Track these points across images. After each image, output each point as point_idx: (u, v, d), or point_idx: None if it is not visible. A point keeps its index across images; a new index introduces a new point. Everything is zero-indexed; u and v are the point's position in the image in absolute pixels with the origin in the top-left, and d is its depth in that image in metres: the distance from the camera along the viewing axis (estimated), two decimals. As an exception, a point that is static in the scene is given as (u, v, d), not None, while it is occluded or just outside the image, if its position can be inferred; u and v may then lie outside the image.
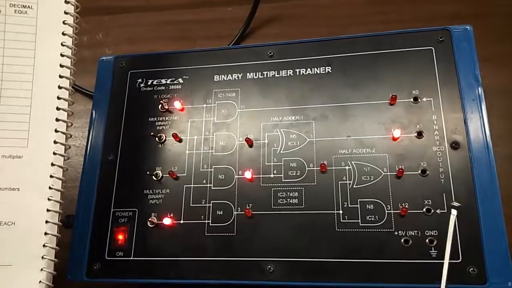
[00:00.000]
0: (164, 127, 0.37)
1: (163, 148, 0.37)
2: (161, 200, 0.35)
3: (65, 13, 0.33)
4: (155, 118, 0.38)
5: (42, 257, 0.30)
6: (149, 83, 0.39)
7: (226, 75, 0.38)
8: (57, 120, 0.31)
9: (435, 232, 0.30)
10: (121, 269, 0.34)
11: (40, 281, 0.30)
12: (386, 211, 0.32)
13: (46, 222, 0.30)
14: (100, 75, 0.40)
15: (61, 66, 0.32)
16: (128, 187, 0.36)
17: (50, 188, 0.31)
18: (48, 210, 0.30)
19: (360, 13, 0.49)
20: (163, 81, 0.39)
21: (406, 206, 0.31)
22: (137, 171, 0.36)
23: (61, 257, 0.34)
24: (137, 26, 0.53)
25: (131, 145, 0.37)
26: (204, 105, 0.38)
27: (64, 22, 0.33)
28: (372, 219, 0.32)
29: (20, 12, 0.33)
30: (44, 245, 0.30)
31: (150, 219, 0.34)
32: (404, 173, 0.32)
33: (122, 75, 0.40)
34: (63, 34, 0.32)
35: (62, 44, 0.32)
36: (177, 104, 0.38)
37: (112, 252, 0.34)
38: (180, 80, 0.39)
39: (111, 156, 0.37)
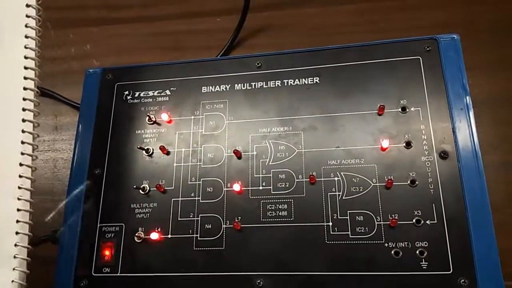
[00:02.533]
0: (151, 139, 0.37)
1: (151, 161, 0.36)
2: (148, 214, 0.35)
3: (27, 16, 0.33)
4: (142, 131, 0.37)
5: (14, 256, 0.30)
6: (136, 95, 0.39)
7: (214, 86, 0.38)
8: (23, 120, 0.31)
9: (425, 243, 0.30)
10: (108, 286, 0.33)
11: (12, 281, 0.29)
12: (376, 223, 0.31)
13: (17, 221, 0.30)
14: (87, 87, 0.40)
15: (25, 68, 0.32)
16: (115, 202, 0.35)
17: (19, 187, 0.30)
18: (18, 210, 0.30)
19: (348, 22, 0.49)
20: (150, 93, 0.39)
21: (396, 217, 0.31)
22: (123, 185, 0.36)
23: (50, 273, 0.34)
24: (125, 37, 0.52)
25: (118, 158, 0.37)
26: (192, 117, 0.37)
27: (26, 25, 0.32)
28: (362, 230, 0.31)
29: None
30: (15, 245, 0.30)
31: (137, 234, 0.34)
32: (393, 183, 0.32)
33: (109, 87, 0.39)
34: (26, 37, 0.32)
35: (25, 47, 0.32)
36: (164, 116, 0.37)
37: (99, 268, 0.33)
38: (168, 92, 0.38)
39: (98, 170, 0.36)
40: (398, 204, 0.31)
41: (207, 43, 0.51)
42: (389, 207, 0.31)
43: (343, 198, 0.32)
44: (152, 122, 0.37)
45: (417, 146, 0.33)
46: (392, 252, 0.30)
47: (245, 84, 0.37)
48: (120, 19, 0.54)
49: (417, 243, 0.30)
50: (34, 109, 0.31)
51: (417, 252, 0.30)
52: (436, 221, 0.30)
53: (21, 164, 0.31)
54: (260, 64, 0.38)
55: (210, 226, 0.33)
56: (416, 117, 0.33)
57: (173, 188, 0.35)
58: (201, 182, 0.35)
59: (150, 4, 0.55)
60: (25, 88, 0.31)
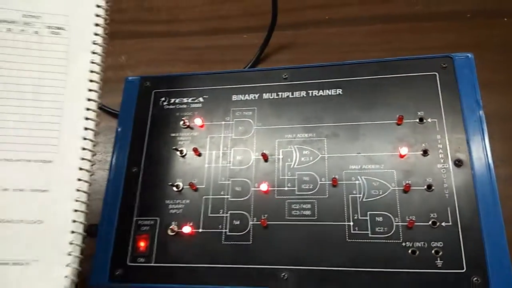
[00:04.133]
0: (185, 142, 0.40)
1: (184, 161, 0.39)
2: (181, 209, 0.37)
3: (95, 34, 0.36)
4: (177, 134, 0.40)
5: (69, 254, 0.32)
6: (171, 101, 0.42)
7: (243, 95, 0.41)
8: (85, 128, 0.34)
9: (441, 244, 0.32)
10: (142, 274, 0.35)
11: (66, 276, 0.31)
12: (394, 223, 0.34)
13: (73, 221, 0.32)
14: (126, 93, 0.43)
15: (90, 80, 0.35)
16: (150, 198, 0.38)
17: (77, 190, 0.33)
18: (75, 210, 0.32)
19: (364, 41, 0.53)
20: (185, 100, 0.42)
21: (413, 219, 0.33)
22: (159, 183, 0.39)
23: (84, 265, 0.36)
24: (157, 50, 0.56)
25: (154, 158, 0.40)
26: (223, 122, 0.40)
27: (94, 42, 0.36)
28: (381, 230, 0.34)
29: (54, 33, 0.36)
30: (70, 243, 0.32)
31: (170, 227, 0.36)
32: (411, 188, 0.34)
33: (147, 94, 0.43)
34: (93, 52, 0.36)
35: (91, 61, 0.36)
36: (197, 121, 0.40)
37: (134, 258, 0.36)
38: (201, 99, 0.42)
39: (135, 168, 0.39)
40: (415, 207, 0.34)
41: (233, 57, 0.55)
42: (406, 210, 0.34)
43: (364, 200, 0.35)
44: (186, 126, 0.40)
45: (434, 154, 0.35)
46: (409, 251, 0.33)
47: (273, 94, 0.40)
48: (151, 33, 0.58)
49: (432, 243, 0.32)
50: (95, 118, 0.34)
51: (433, 251, 0.32)
52: (450, 223, 0.33)
53: (80, 169, 0.33)
54: (286, 76, 0.41)
55: (238, 222, 0.36)
56: (433, 128, 0.36)
57: (204, 186, 0.38)
58: (230, 182, 0.38)
59: (179, 20, 0.59)
60: (88, 99, 0.34)
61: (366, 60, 0.40)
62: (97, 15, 0.36)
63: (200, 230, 0.36)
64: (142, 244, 0.36)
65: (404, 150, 0.35)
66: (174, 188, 0.38)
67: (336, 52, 0.53)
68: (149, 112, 0.42)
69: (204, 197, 0.37)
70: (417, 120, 0.36)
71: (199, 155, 0.39)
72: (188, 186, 0.38)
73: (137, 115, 0.42)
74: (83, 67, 0.35)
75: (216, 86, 0.42)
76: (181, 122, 0.41)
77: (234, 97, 0.41)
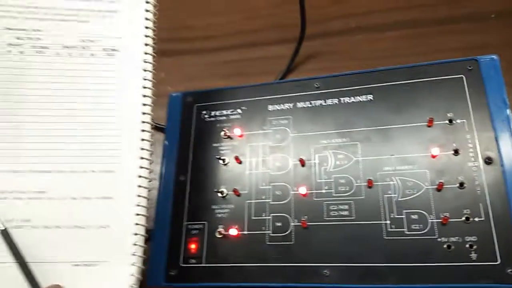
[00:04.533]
0: (226, 151, 0.43)
1: (227, 169, 0.42)
2: (227, 214, 0.40)
3: (145, 53, 0.40)
4: (219, 144, 0.44)
5: (133, 254, 0.35)
6: (212, 114, 0.45)
7: (279, 105, 0.44)
8: (142, 140, 0.38)
9: (475, 238, 0.34)
10: (195, 274, 0.39)
11: (131, 274, 0.35)
12: (429, 220, 0.36)
13: (136, 224, 0.36)
14: (170, 108, 0.47)
15: (144, 96, 0.39)
16: (198, 203, 0.41)
17: (138, 196, 0.37)
18: (137, 214, 0.36)
19: (392, 47, 0.55)
20: (224, 112, 0.45)
21: (447, 216, 0.35)
22: (205, 189, 0.42)
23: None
24: (193, 66, 0.60)
25: (199, 167, 0.43)
26: (261, 131, 0.43)
27: (145, 61, 0.40)
28: (417, 227, 0.36)
29: (109, 55, 0.40)
30: (134, 244, 0.35)
31: (218, 230, 0.40)
32: (444, 186, 0.36)
33: (189, 108, 0.46)
34: (144, 70, 0.39)
35: (144, 78, 0.39)
36: (237, 131, 0.43)
37: (186, 259, 0.39)
38: (239, 111, 0.45)
39: (183, 177, 0.43)
40: (448, 204, 0.36)
41: (263, 69, 0.58)
42: (440, 207, 0.36)
43: (399, 199, 0.37)
44: (226, 136, 0.44)
45: (464, 153, 0.37)
46: (445, 246, 0.34)
47: (306, 103, 0.43)
48: (188, 50, 0.62)
49: (466, 238, 0.34)
50: (150, 130, 0.38)
51: (467, 245, 0.34)
52: (483, 219, 0.34)
53: (140, 176, 0.37)
54: (318, 85, 0.43)
55: (280, 224, 0.39)
56: (462, 128, 0.38)
57: (247, 192, 0.41)
58: (271, 187, 0.41)
59: (212, 36, 0.63)
60: (143, 113, 0.38)
61: (395, 66, 0.42)
62: (146, 36, 0.40)
63: (245, 232, 0.39)
64: (193, 246, 0.40)
65: (435, 151, 0.37)
66: (219, 194, 0.41)
67: (364, 59, 0.55)
68: (192, 124, 0.45)
69: (247, 201, 0.40)
70: (447, 122, 0.38)
71: (240, 162, 0.42)
72: (232, 192, 0.41)
73: (182, 128, 0.45)
74: (137, 84, 0.39)
75: (252, 97, 0.45)
76: (222, 133, 0.44)
77: (270, 107, 0.44)
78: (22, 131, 0.37)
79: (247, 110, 0.45)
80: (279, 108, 0.44)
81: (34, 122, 0.37)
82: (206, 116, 0.45)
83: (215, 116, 0.45)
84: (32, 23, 0.39)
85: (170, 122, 0.46)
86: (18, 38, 0.38)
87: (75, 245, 0.35)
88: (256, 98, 0.45)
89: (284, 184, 0.40)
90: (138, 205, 0.36)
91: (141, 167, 0.37)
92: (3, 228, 0.34)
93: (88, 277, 0.34)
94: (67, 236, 0.35)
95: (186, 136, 0.45)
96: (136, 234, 0.35)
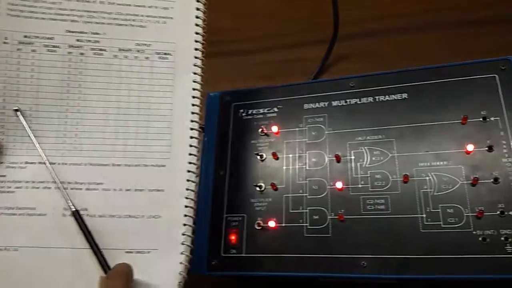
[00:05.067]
0: (263, 147, 0.45)
1: (264, 164, 0.44)
2: (265, 207, 0.42)
3: (195, 57, 0.42)
4: (256, 141, 0.46)
5: (182, 243, 0.38)
6: (249, 112, 0.47)
7: (314, 104, 0.45)
8: (191, 137, 0.40)
9: (509, 231, 0.35)
10: (235, 263, 0.40)
11: (180, 262, 0.37)
12: (465, 214, 0.37)
13: (185, 215, 0.38)
14: (209, 107, 0.49)
15: (193, 97, 0.41)
16: (237, 197, 0.43)
17: (187, 189, 0.39)
18: (186, 206, 0.38)
19: (426, 48, 0.56)
20: (261, 110, 0.47)
21: (482, 209, 0.36)
22: (243, 184, 0.44)
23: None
24: (228, 68, 0.62)
25: (238, 162, 0.45)
26: (297, 129, 0.45)
27: (194, 64, 0.42)
28: (453, 221, 0.37)
29: (162, 58, 0.42)
30: (183, 234, 0.38)
31: (257, 222, 0.41)
32: (478, 181, 0.37)
33: (227, 107, 0.48)
34: (194, 73, 0.42)
35: (193, 81, 0.42)
36: (273, 129, 0.45)
37: (227, 249, 0.41)
38: (275, 109, 0.47)
39: (222, 172, 0.45)
40: (483, 198, 0.37)
41: (294, 71, 0.60)
42: (475, 201, 0.37)
43: (435, 194, 0.38)
44: (263, 133, 0.45)
45: (498, 150, 0.38)
46: (480, 238, 0.35)
47: (341, 101, 0.45)
48: (219, 53, 0.65)
49: (501, 231, 0.35)
50: (198, 128, 0.41)
51: (502, 238, 0.35)
52: (518, 213, 0.35)
53: (188, 171, 0.39)
54: (353, 84, 0.45)
55: (317, 217, 0.40)
56: (496, 125, 0.39)
57: (284, 186, 0.43)
58: (307, 181, 0.42)
59: (242, 39, 0.65)
60: (192, 113, 0.41)
61: (429, 65, 0.43)
62: (196, 41, 0.42)
63: (283, 225, 0.41)
64: (233, 237, 0.42)
65: (470, 147, 0.38)
66: (257, 188, 0.43)
67: (394, 61, 0.56)
68: (230, 122, 0.47)
69: (285, 195, 0.42)
70: (481, 119, 0.39)
71: (277, 158, 0.44)
72: (269, 186, 0.43)
73: (220, 125, 0.47)
74: (187, 86, 0.42)
75: (288, 97, 0.47)
76: (259, 130, 0.46)
77: (306, 106, 0.46)
78: (83, 127, 0.40)
79: (283, 109, 0.46)
80: (314, 107, 0.45)
81: (92, 119, 0.40)
82: (243, 114, 0.47)
83: (252, 114, 0.47)
84: (91, 27, 0.42)
85: (209, 120, 0.48)
86: (78, 40, 0.41)
87: (128, 233, 0.38)
88: (292, 97, 0.47)
89: (320, 179, 0.42)
90: (187, 198, 0.38)
91: (190, 163, 0.39)
92: (74, 209, 0.37)
93: (139, 263, 0.37)
94: (120, 224, 0.38)
95: (224, 133, 0.47)
96: (185, 224, 0.38)
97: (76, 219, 0.37)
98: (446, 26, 0.57)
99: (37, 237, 0.37)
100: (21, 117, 0.39)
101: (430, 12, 0.59)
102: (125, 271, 0.35)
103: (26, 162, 0.39)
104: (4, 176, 0.39)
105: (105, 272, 0.36)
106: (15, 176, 0.39)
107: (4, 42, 0.40)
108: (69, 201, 0.37)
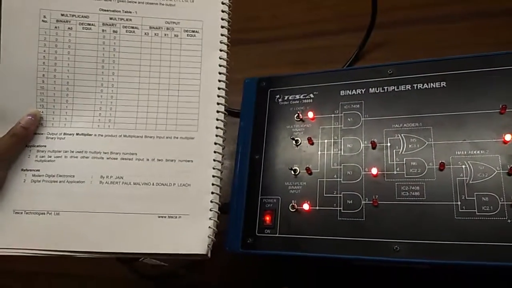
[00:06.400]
0: (299, 132, 0.46)
1: (299, 149, 0.45)
2: (299, 190, 0.43)
3: (221, 35, 0.45)
4: (292, 126, 0.47)
5: (210, 210, 0.41)
6: (285, 98, 0.48)
7: (350, 91, 0.46)
8: (217, 111, 0.43)
9: (545, 220, 0.35)
10: (269, 243, 0.42)
11: (209, 227, 0.40)
12: (500, 203, 0.37)
13: (212, 184, 0.41)
14: (245, 92, 0.50)
15: (220, 73, 0.44)
16: (272, 180, 0.45)
17: (214, 160, 0.42)
18: (213, 176, 0.41)
19: (460, 37, 0.55)
20: (297, 96, 0.48)
21: (518, 199, 0.36)
22: (278, 167, 0.45)
23: (217, 239, 0.43)
24: (261, 55, 0.63)
25: (273, 147, 0.46)
26: (332, 115, 0.46)
27: (221, 42, 0.44)
28: (487, 209, 0.37)
29: (190, 35, 0.44)
30: (211, 201, 0.41)
31: (291, 205, 0.42)
32: (515, 171, 0.37)
33: (264, 92, 0.49)
34: (220, 50, 0.44)
35: (219, 57, 0.45)
36: (309, 114, 0.46)
37: (262, 229, 0.43)
38: (311, 95, 0.47)
39: (258, 155, 0.46)
40: (520, 188, 0.37)
41: (330, 57, 0.60)
42: (511, 190, 0.37)
43: (470, 182, 0.38)
44: (299, 119, 0.46)
45: (537, 140, 0.38)
46: (515, 227, 0.36)
47: (379, 88, 0.45)
48: (255, 39, 0.66)
49: (537, 220, 0.35)
50: (224, 103, 0.43)
51: (538, 227, 0.35)
52: (555, 203, 0.35)
53: (215, 143, 0.42)
54: (392, 72, 0.45)
55: (351, 202, 0.41)
56: (535, 116, 0.39)
57: (318, 171, 0.44)
58: (341, 167, 0.43)
59: (278, 27, 0.66)
60: (219, 88, 0.43)
61: (468, 55, 0.43)
62: (222, 19, 0.44)
63: (317, 208, 0.42)
64: (267, 218, 0.43)
65: (508, 137, 0.38)
66: (292, 172, 0.44)
67: (431, 49, 0.56)
68: (266, 107, 0.48)
69: (319, 179, 0.43)
70: (520, 109, 0.39)
71: (312, 144, 0.45)
72: (304, 171, 0.44)
73: (256, 110, 0.48)
74: (214, 62, 0.44)
75: (324, 83, 0.47)
76: (295, 116, 0.47)
77: (342, 92, 0.46)
78: (117, 101, 0.43)
79: (319, 95, 0.47)
80: (351, 93, 0.46)
81: (126, 93, 0.43)
82: (279, 99, 0.48)
83: (288, 100, 0.48)
84: (124, 5, 0.44)
85: (245, 105, 0.49)
86: (111, 19, 0.44)
87: (161, 200, 0.41)
88: (329, 84, 0.47)
89: (355, 164, 0.43)
90: (214, 168, 0.42)
91: (217, 135, 0.42)
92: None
93: (171, 227, 0.40)
94: (153, 192, 0.41)
95: (260, 118, 0.48)
96: (212, 192, 0.40)
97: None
98: (488, 14, 0.56)
99: (77, 203, 0.40)
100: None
101: (470, 1, 0.58)
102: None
103: (65, 134, 0.43)
104: (44, 146, 0.43)
105: None
106: (55, 146, 0.43)
107: (43, 21, 0.43)
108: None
